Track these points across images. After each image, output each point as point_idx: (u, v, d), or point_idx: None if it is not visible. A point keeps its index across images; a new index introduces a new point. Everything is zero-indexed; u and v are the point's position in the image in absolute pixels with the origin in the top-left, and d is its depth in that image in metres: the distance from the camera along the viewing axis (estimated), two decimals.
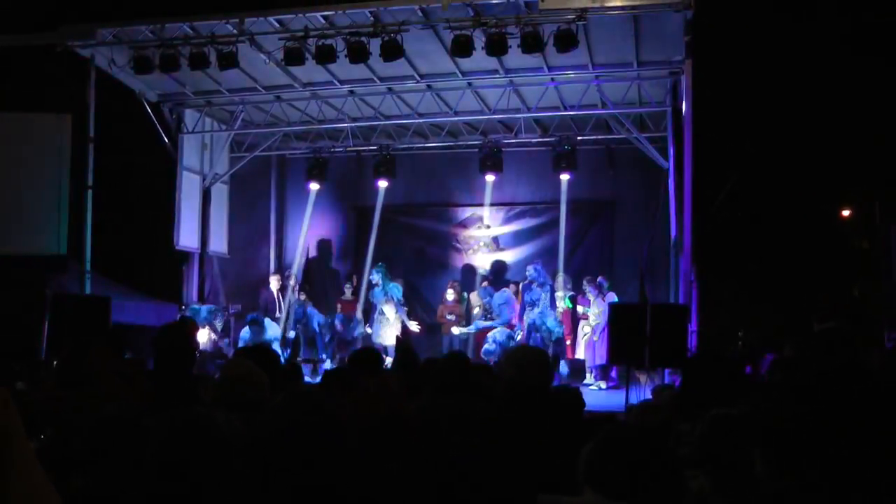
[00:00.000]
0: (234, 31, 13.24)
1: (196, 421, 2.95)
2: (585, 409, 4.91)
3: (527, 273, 15.24)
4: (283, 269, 18.27)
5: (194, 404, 3.45)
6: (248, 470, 2.82)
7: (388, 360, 10.46)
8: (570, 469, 3.09)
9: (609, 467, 2.90)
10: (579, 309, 15.55)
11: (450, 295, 16.60)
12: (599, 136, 16.81)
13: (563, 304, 15.51)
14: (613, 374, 14.73)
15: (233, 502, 2.81)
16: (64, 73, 13.87)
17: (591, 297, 15.21)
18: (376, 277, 15.95)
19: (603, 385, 14.71)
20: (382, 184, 17.39)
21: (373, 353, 6.62)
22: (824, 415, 2.51)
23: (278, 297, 16.85)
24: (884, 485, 2.55)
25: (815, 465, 2.40)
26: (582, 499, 2.95)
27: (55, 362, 6.83)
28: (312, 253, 19.38)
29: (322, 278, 18.73)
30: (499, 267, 18.10)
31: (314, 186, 17.73)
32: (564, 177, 16.40)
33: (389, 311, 15.88)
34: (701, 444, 3.66)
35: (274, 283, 16.91)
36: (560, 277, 15.83)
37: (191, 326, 11.60)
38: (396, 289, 16.07)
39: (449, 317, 16.35)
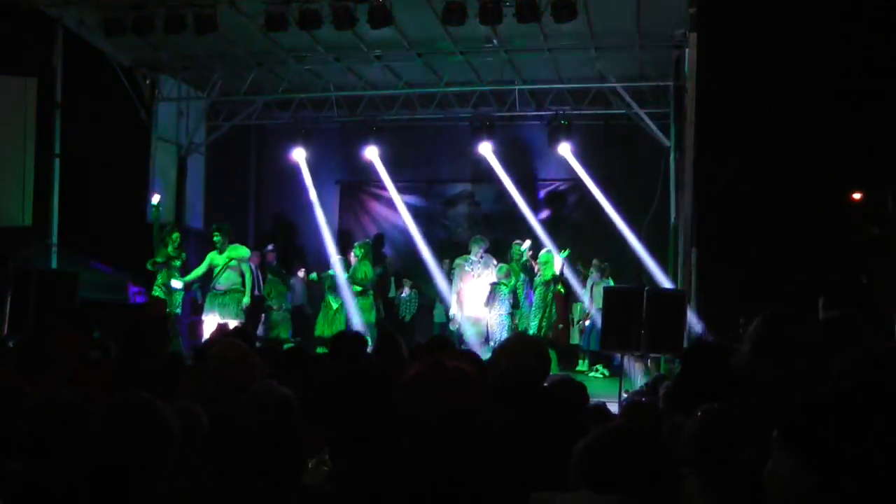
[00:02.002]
0: None
1: (136, 410, 2.95)
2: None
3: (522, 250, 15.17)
4: (262, 244, 18.20)
5: (156, 391, 3.39)
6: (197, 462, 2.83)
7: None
8: (567, 467, 3.08)
9: (601, 464, 2.89)
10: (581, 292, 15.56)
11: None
12: (597, 111, 16.73)
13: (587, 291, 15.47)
14: (617, 360, 14.74)
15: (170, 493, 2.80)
16: (29, 34, 13.67)
17: (594, 278, 15.21)
18: (358, 253, 15.79)
19: (607, 372, 14.79)
20: (368, 155, 17.31)
21: (356, 337, 6.56)
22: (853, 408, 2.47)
23: (257, 274, 16.80)
24: None
25: (844, 462, 2.37)
26: (574, 495, 2.93)
27: (13, 343, 6.75)
28: (296, 230, 19.36)
29: (299, 254, 18.65)
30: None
31: (296, 156, 17.62)
32: (565, 146, 16.30)
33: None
34: (692, 442, 3.64)
35: (255, 258, 16.88)
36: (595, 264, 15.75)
37: (161, 308, 11.51)
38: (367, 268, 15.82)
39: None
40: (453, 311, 15.16)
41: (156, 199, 14.68)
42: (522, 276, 14.89)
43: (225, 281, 14.38)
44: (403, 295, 17.27)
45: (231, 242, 14.63)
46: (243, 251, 14.64)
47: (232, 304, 14.39)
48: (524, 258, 14.97)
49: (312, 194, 18.07)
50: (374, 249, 17.30)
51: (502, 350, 4.63)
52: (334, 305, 15.59)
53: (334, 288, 15.73)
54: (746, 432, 3.50)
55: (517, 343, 4.72)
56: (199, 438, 3.52)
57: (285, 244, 18.61)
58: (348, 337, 6.62)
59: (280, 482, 3.54)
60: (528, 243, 15.22)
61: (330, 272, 15.95)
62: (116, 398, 3.05)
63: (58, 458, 3.26)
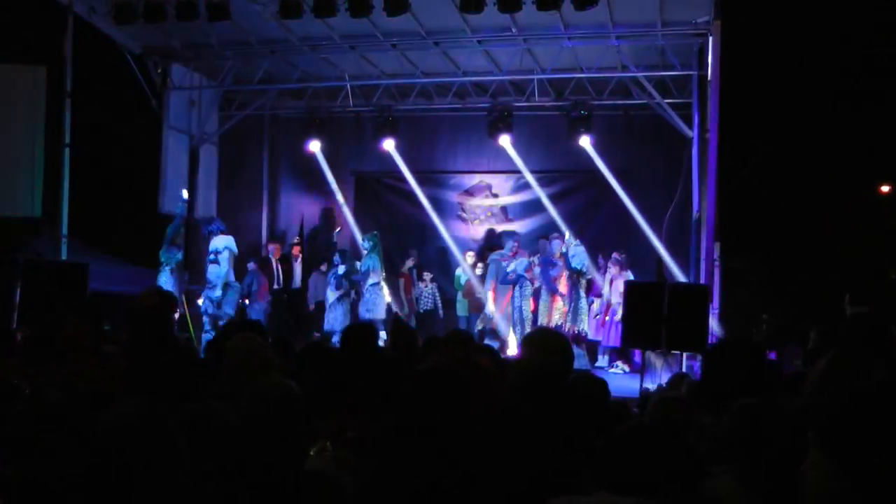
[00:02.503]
0: None
1: (140, 419, 2.92)
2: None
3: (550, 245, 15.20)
4: (281, 237, 18.19)
5: (163, 391, 3.38)
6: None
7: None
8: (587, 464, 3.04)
9: (621, 465, 2.84)
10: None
11: (478, 269, 16.59)
12: (618, 101, 16.67)
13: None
14: (637, 357, 14.68)
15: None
16: (39, 22, 13.69)
17: (613, 272, 15.13)
18: (367, 245, 15.86)
19: (627, 368, 14.76)
20: (385, 146, 17.29)
21: (368, 329, 6.52)
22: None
23: (277, 269, 16.87)
24: None
25: (879, 465, 2.32)
26: (595, 498, 2.89)
27: (22, 335, 6.72)
28: (311, 221, 19.36)
29: (326, 248, 18.57)
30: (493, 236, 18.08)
31: (314, 147, 17.65)
32: (585, 139, 16.23)
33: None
34: (726, 438, 3.58)
35: (275, 252, 16.96)
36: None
37: (152, 298, 11.43)
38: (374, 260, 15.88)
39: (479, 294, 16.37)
40: (489, 308, 15.23)
41: (185, 194, 14.78)
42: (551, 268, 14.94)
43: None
44: (424, 288, 17.22)
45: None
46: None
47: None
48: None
49: (335, 187, 18.18)
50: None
51: (525, 344, 4.58)
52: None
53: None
54: (783, 429, 3.45)
55: (540, 338, 4.66)
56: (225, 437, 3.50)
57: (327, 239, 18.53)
58: (359, 329, 6.57)
59: (282, 477, 3.51)
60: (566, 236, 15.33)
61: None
62: (119, 408, 3.01)
63: (53, 459, 3.23)
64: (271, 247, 17.25)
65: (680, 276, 14.61)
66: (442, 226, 17.85)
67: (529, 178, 17.17)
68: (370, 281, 15.48)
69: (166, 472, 2.87)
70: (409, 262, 17.20)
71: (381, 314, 15.39)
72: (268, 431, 3.62)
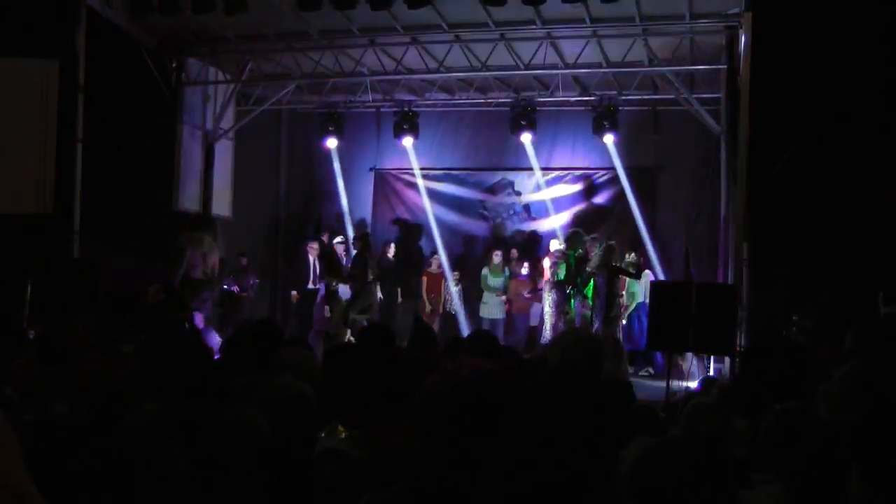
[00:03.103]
0: None
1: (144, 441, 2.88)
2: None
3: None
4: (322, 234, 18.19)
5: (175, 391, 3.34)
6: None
7: None
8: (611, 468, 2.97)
9: (651, 482, 2.73)
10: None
11: (524, 268, 16.66)
12: (645, 96, 16.64)
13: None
14: (660, 359, 14.62)
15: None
16: (51, 14, 13.64)
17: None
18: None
19: (652, 371, 14.74)
20: (404, 142, 17.27)
21: (384, 330, 6.51)
22: None
23: (315, 265, 16.93)
24: None
25: None
26: None
27: (32, 334, 6.69)
28: (328, 220, 19.33)
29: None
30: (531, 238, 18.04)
31: (331, 143, 17.64)
32: (609, 138, 16.16)
33: None
34: (766, 445, 3.50)
35: (312, 249, 17.05)
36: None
37: (172, 297, 11.40)
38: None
39: (527, 295, 16.34)
40: (547, 309, 15.40)
41: None
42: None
43: None
44: (452, 288, 17.17)
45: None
46: None
47: None
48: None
49: (340, 185, 18.21)
50: (409, 241, 17.39)
51: (553, 345, 4.52)
52: None
53: None
54: (827, 434, 3.39)
55: (569, 339, 4.60)
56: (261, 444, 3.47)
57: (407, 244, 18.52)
58: (376, 331, 6.57)
59: (291, 478, 3.51)
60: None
61: None
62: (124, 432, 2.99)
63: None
64: (311, 245, 17.27)
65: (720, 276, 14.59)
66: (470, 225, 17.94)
67: (537, 175, 17.15)
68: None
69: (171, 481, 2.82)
70: (434, 262, 17.19)
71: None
72: (276, 432, 3.62)
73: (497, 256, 16.74)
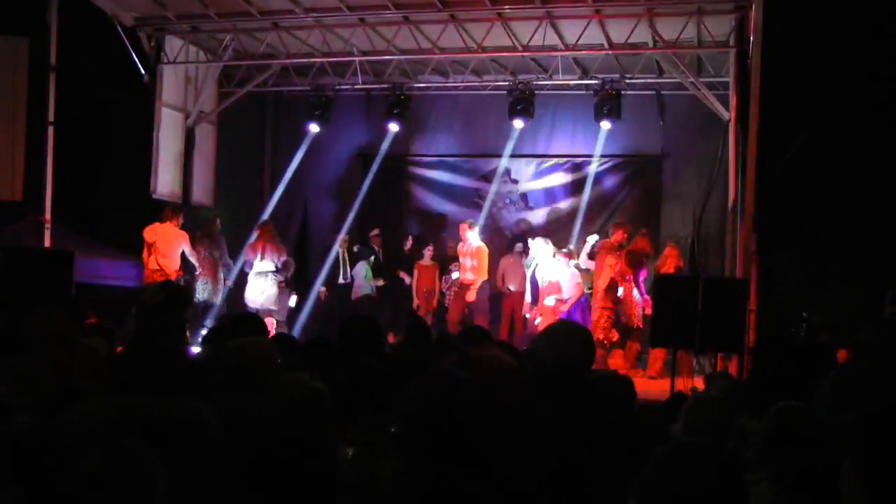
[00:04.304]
0: None
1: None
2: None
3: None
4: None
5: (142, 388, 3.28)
6: None
7: None
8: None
9: (668, 494, 2.65)
10: None
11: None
12: (649, 80, 16.64)
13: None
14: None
15: None
16: None
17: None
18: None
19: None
20: (393, 127, 17.19)
21: (370, 324, 6.46)
22: None
23: (344, 259, 17.07)
24: None
25: None
26: None
27: None
28: (315, 208, 19.26)
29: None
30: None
31: (314, 128, 17.55)
32: (605, 125, 16.09)
33: None
34: (765, 443, 3.48)
35: (342, 243, 17.24)
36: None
37: (174, 297, 11.30)
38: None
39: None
40: None
41: None
42: None
43: None
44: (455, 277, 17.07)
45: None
46: None
47: None
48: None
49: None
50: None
51: (542, 337, 4.47)
52: None
53: None
54: (824, 433, 3.38)
55: (560, 330, 4.55)
56: (206, 441, 3.41)
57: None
58: (359, 323, 6.52)
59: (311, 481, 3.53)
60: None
61: None
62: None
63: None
64: (340, 237, 17.27)
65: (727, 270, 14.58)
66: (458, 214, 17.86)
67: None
68: None
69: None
70: (427, 253, 17.07)
71: None
72: (293, 433, 3.65)
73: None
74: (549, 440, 3.65)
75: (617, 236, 14.94)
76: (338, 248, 17.12)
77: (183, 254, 14.53)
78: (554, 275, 15.12)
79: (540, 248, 15.57)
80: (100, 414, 3.12)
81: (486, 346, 5.23)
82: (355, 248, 17.26)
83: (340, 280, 16.90)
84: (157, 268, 14.15)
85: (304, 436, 3.72)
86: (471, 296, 15.70)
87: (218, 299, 15.48)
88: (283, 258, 15.64)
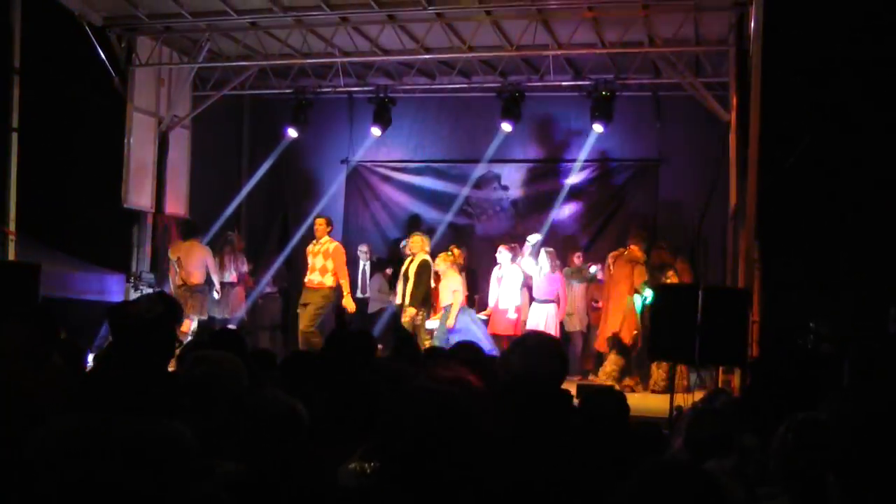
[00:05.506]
0: None
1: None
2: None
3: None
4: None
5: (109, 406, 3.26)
6: None
7: None
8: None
9: None
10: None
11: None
12: (645, 80, 16.64)
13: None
14: None
15: None
16: None
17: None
18: None
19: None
20: (376, 131, 17.19)
21: (366, 338, 6.52)
22: None
23: (366, 271, 17.11)
24: None
25: None
26: None
27: None
28: (296, 216, 19.25)
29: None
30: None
31: (293, 133, 17.54)
32: (597, 128, 16.08)
33: None
34: (782, 457, 3.48)
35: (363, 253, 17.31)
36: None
37: (171, 311, 11.25)
38: None
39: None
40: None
41: None
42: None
43: None
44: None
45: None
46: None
47: None
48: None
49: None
50: None
51: (514, 348, 4.46)
52: None
53: None
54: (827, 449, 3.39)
55: (532, 341, 4.54)
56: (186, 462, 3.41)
57: None
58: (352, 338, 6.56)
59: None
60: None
61: None
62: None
63: None
64: (364, 247, 17.27)
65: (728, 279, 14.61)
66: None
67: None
68: None
69: None
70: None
71: None
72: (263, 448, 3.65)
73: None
74: (512, 457, 3.65)
75: (636, 249, 14.88)
76: (362, 261, 17.09)
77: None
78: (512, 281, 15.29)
79: (503, 257, 15.62)
80: (73, 432, 3.11)
81: (450, 367, 5.23)
82: (375, 259, 17.28)
83: (359, 294, 16.74)
84: (182, 283, 14.89)
85: (276, 455, 3.70)
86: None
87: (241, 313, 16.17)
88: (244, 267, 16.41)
